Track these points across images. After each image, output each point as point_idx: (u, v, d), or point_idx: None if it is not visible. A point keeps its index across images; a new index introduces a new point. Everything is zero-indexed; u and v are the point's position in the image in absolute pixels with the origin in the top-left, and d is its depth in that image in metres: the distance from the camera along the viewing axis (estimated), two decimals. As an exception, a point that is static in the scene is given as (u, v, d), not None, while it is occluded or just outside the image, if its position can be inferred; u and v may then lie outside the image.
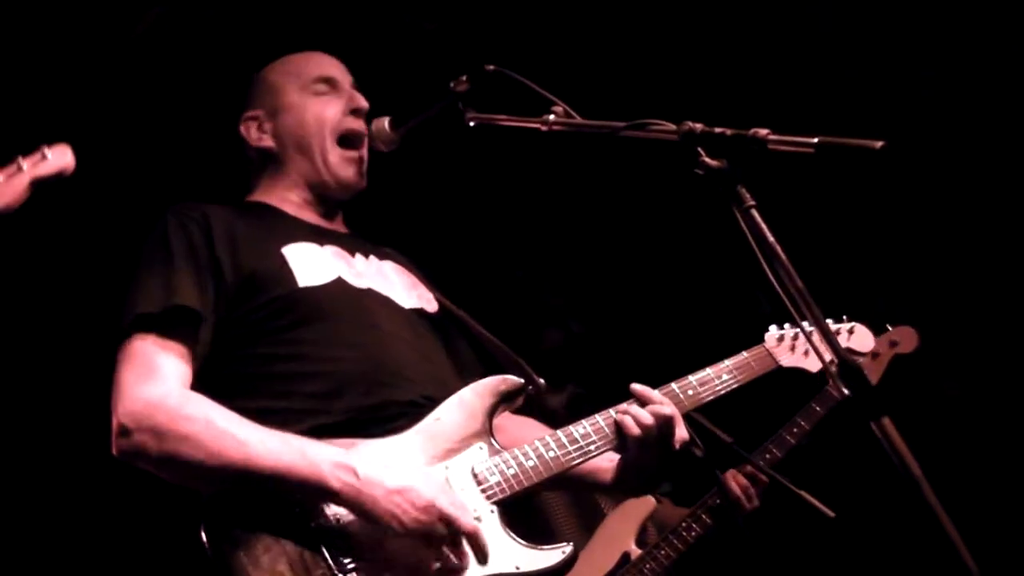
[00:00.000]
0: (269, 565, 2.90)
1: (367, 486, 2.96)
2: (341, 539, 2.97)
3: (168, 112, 5.21)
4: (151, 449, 3.02)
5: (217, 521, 2.97)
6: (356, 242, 3.67)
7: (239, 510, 2.97)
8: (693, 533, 4.85)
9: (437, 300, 3.71)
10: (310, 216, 3.66)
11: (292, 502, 2.98)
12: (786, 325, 3.89)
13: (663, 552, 4.83)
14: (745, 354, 3.75)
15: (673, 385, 3.50)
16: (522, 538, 3.15)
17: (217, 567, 2.93)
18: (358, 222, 3.77)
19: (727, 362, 3.67)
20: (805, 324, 2.62)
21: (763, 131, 2.67)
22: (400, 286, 3.62)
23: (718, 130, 2.74)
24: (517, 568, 3.08)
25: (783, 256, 2.57)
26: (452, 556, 3.02)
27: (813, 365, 3.91)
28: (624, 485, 3.49)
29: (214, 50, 5.07)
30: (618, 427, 3.35)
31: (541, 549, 3.15)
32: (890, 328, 4.78)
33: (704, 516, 4.88)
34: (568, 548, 3.17)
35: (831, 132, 2.58)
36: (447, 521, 2.99)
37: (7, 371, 5.00)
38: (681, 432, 3.40)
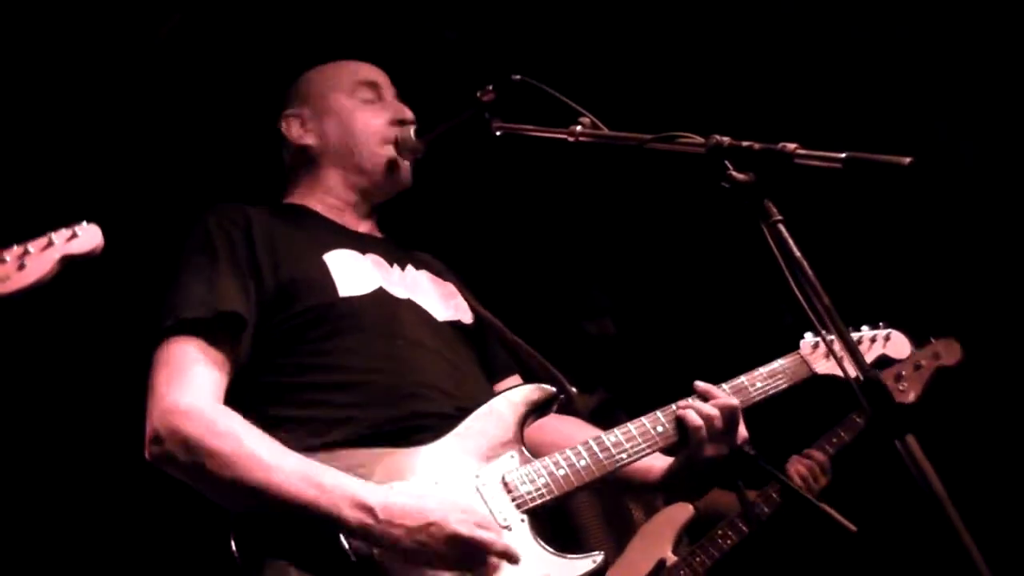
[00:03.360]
0: None
1: (386, 527, 2.93)
2: (368, 570, 2.94)
3: (194, 115, 5.22)
4: (180, 459, 3.03)
5: (248, 540, 2.99)
6: (394, 249, 3.67)
7: (270, 532, 2.96)
8: (728, 541, 4.84)
9: (472, 309, 3.70)
10: (349, 220, 3.66)
11: (314, 532, 2.96)
12: (823, 331, 3.84)
13: (698, 559, 4.82)
14: (780, 361, 3.69)
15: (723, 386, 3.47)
16: (552, 547, 3.13)
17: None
18: (390, 226, 3.76)
19: (761, 369, 3.62)
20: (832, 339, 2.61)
21: (791, 145, 2.67)
22: (436, 297, 3.61)
23: (745, 144, 2.73)
24: None
25: (809, 271, 2.57)
26: (485, 572, 3.00)
27: (852, 371, 3.84)
28: (677, 485, 3.48)
29: (237, 56, 5.08)
30: (679, 422, 3.34)
31: (571, 558, 3.14)
32: (933, 340, 4.73)
33: (740, 523, 4.87)
34: (599, 557, 3.15)
35: (857, 147, 2.57)
36: (475, 547, 2.97)
37: (44, 371, 5.02)
38: (743, 428, 3.40)
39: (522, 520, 3.13)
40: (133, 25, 4.94)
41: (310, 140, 3.72)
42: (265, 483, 2.95)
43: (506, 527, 3.09)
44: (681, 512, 5.04)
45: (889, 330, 4.03)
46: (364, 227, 3.68)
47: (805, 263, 2.57)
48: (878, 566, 5.53)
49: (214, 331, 3.18)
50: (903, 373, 4.57)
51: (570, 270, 5.85)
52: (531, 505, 3.16)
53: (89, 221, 2.64)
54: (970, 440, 5.50)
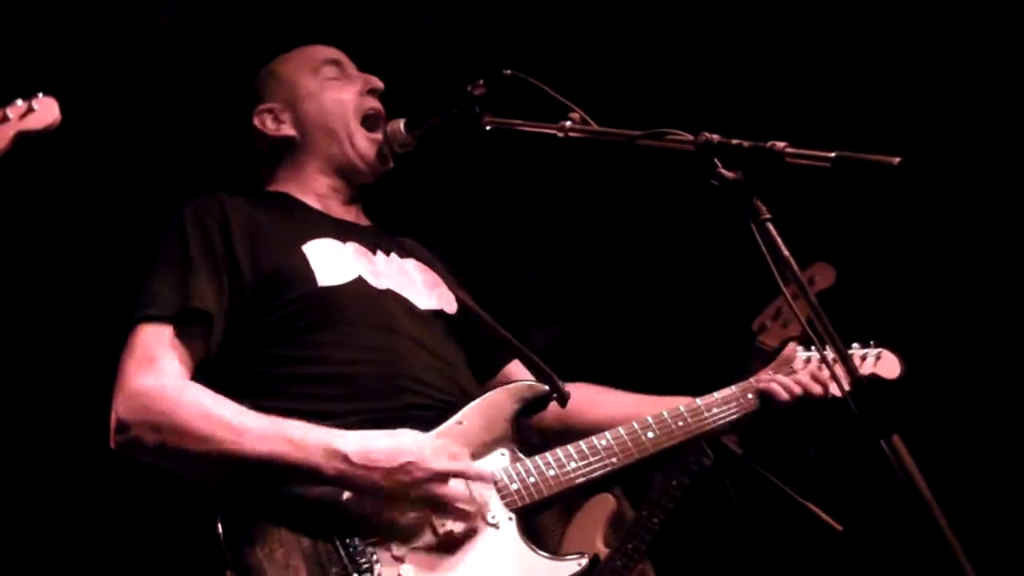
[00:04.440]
0: (284, 559, 2.88)
1: (363, 471, 2.95)
2: (352, 522, 2.96)
3: (183, 106, 5.21)
4: (147, 441, 3.01)
5: (232, 514, 2.96)
6: (378, 237, 3.65)
7: (253, 503, 2.96)
8: (655, 520, 4.83)
9: (459, 300, 3.67)
10: (333, 208, 3.63)
11: (300, 492, 2.97)
12: (812, 348, 3.85)
13: (631, 546, 4.81)
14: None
15: (698, 401, 3.53)
16: (539, 547, 3.13)
17: (234, 561, 2.92)
18: (377, 218, 3.76)
19: (751, 381, 3.66)
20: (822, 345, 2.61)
21: (780, 144, 2.67)
22: (421, 285, 3.59)
23: (735, 141, 2.73)
24: None
25: (797, 269, 2.57)
26: (469, 509, 3.04)
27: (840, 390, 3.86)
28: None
29: (230, 50, 5.07)
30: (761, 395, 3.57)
31: (557, 560, 3.15)
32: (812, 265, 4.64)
33: (664, 502, 4.86)
34: (584, 560, 3.15)
35: (844, 146, 2.57)
36: (455, 475, 3.01)
37: (16, 364, 5.01)
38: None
39: (510, 519, 3.12)
40: (127, 15, 4.94)
41: (288, 131, 3.68)
42: (236, 449, 2.95)
43: (494, 525, 3.08)
44: (603, 504, 5.05)
45: (879, 349, 4.02)
46: (350, 214, 3.66)
47: (793, 261, 2.57)
48: (864, 565, 5.53)
49: (182, 324, 3.16)
50: (781, 309, 4.54)
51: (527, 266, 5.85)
52: (520, 504, 3.15)
53: (46, 94, 2.59)
54: (956, 439, 5.51)
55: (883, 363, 3.96)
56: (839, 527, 4.63)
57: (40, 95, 2.56)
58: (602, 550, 4.94)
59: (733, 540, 4.91)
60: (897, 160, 2.52)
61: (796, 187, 3.11)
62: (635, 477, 5.16)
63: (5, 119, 2.52)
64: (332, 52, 3.80)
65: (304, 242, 3.40)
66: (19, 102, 2.55)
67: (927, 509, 2.40)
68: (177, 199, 3.42)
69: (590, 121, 3.18)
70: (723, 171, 2.69)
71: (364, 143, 3.64)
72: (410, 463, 2.98)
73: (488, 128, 3.41)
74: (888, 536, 5.26)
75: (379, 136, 3.66)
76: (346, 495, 2.98)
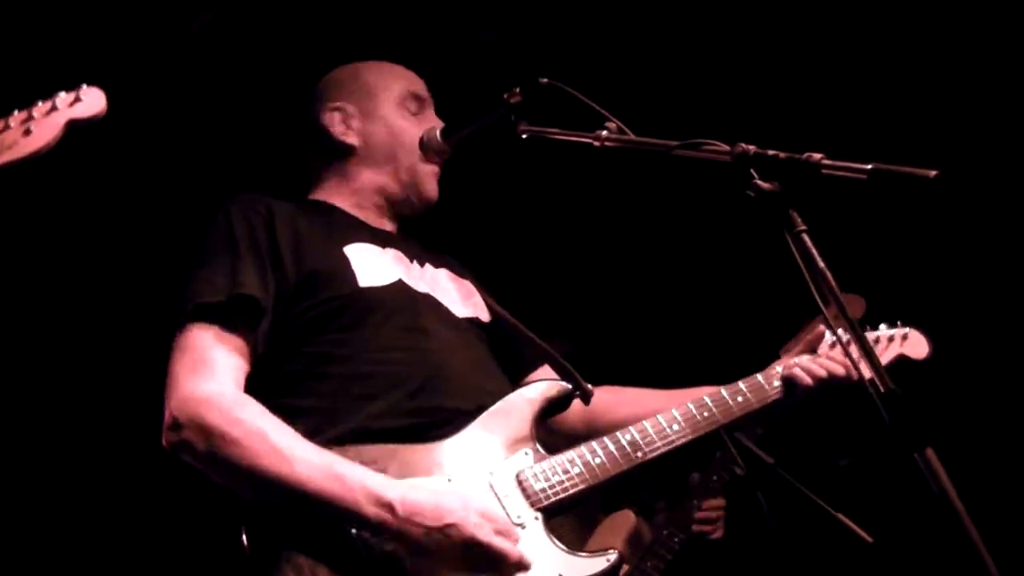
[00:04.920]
0: None
1: (405, 524, 2.93)
2: (379, 564, 2.95)
3: (221, 110, 5.23)
4: (198, 447, 3.01)
5: (260, 529, 2.98)
6: (413, 247, 3.67)
7: (282, 522, 2.96)
8: (676, 539, 4.83)
9: (489, 308, 3.70)
10: (372, 219, 3.66)
11: (330, 525, 2.96)
12: (839, 331, 3.83)
13: (650, 564, 4.81)
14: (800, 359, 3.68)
15: (723, 391, 3.54)
16: (566, 544, 3.13)
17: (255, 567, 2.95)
18: (410, 228, 3.77)
19: (775, 367, 3.65)
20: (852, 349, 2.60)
21: (816, 155, 2.67)
22: (455, 294, 3.62)
23: (771, 153, 2.73)
24: None
25: (832, 282, 2.57)
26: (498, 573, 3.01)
27: (864, 372, 3.80)
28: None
29: (271, 55, 5.09)
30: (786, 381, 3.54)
31: (585, 556, 3.14)
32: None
33: (685, 522, 4.86)
34: (613, 556, 3.14)
35: (877, 159, 2.57)
36: (492, 554, 2.97)
37: (65, 359, 5.04)
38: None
39: (536, 518, 3.13)
40: (164, 18, 4.96)
41: (353, 139, 3.69)
42: (285, 474, 2.94)
43: (520, 525, 3.09)
44: (623, 520, 5.04)
45: (907, 329, 3.98)
46: (387, 227, 3.69)
47: (829, 274, 2.57)
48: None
49: (232, 317, 3.17)
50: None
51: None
52: (545, 503, 3.16)
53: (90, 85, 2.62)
54: (989, 449, 5.49)
55: (910, 343, 3.94)
56: (869, 539, 4.62)
57: (85, 86, 2.60)
58: (625, 551, 4.94)
59: (763, 550, 4.89)
60: (933, 173, 2.52)
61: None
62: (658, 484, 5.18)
63: (55, 108, 2.53)
64: (421, 87, 3.81)
65: (345, 244, 3.43)
66: (63, 94, 2.58)
67: (959, 523, 2.39)
68: (217, 200, 3.44)
69: (626, 131, 3.18)
70: (759, 182, 2.69)
71: (427, 179, 3.69)
72: (452, 526, 2.95)
73: (524, 136, 3.42)
74: (919, 548, 5.24)
75: (438, 170, 3.70)
76: (379, 546, 2.96)
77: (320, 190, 3.72)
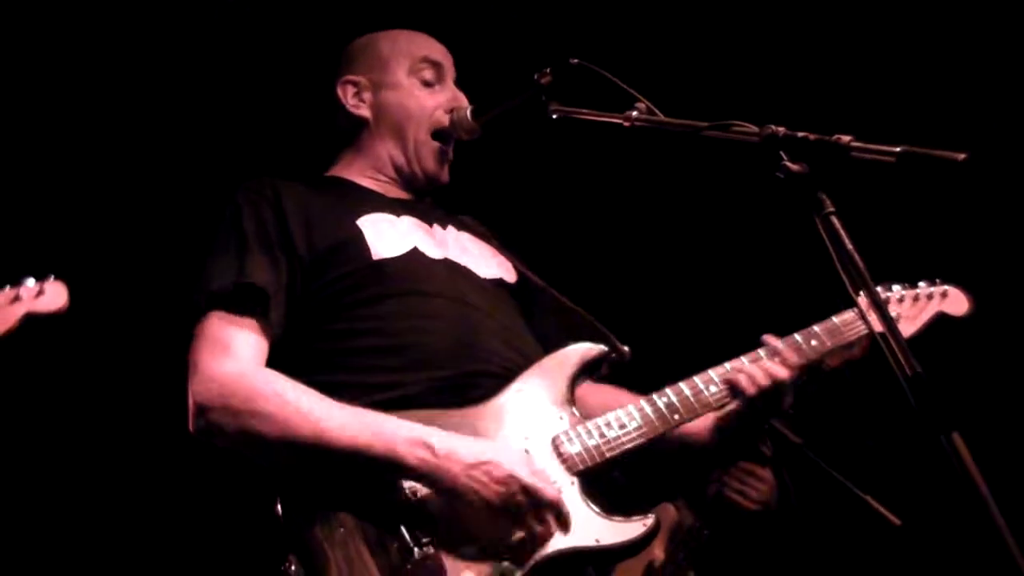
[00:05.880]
0: (343, 540, 2.93)
1: (444, 461, 2.97)
2: (418, 514, 2.98)
3: (238, 88, 5.22)
4: (227, 427, 3.07)
5: (293, 497, 3.01)
6: (434, 211, 3.69)
7: (315, 486, 3.00)
8: (705, 532, 4.83)
9: (516, 269, 3.70)
10: (390, 191, 3.67)
11: (368, 479, 3.00)
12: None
13: (681, 555, 4.81)
14: (836, 319, 3.60)
15: (795, 336, 3.50)
16: (602, 509, 3.13)
17: (293, 543, 2.97)
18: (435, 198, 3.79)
19: (816, 328, 3.58)
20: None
21: (846, 137, 2.67)
22: (478, 255, 3.62)
23: (801, 134, 2.73)
24: (597, 541, 3.08)
25: (861, 264, 2.57)
26: (533, 526, 3.00)
27: (909, 328, 3.74)
28: (724, 447, 3.54)
29: (290, 25, 5.07)
30: (730, 385, 3.35)
31: (622, 521, 3.14)
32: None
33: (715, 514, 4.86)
34: (650, 520, 3.16)
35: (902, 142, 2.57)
36: (528, 492, 2.99)
37: (87, 354, 5.04)
38: (790, 397, 3.43)
39: (572, 483, 3.14)
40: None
41: (364, 112, 3.71)
42: (319, 435, 2.98)
43: (557, 489, 3.09)
44: (663, 513, 5.04)
45: (946, 286, 3.91)
46: (398, 195, 3.69)
47: (857, 256, 2.56)
48: (921, 560, 5.51)
49: (243, 303, 3.21)
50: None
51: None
52: (581, 467, 3.17)
53: (57, 277, 2.72)
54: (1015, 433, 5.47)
55: (949, 300, 3.88)
56: (897, 521, 4.61)
57: (52, 278, 2.70)
58: (659, 556, 4.93)
59: (789, 530, 4.89)
60: (962, 156, 2.52)
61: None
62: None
63: (18, 299, 2.70)
64: (438, 51, 3.80)
65: (358, 217, 3.44)
66: (31, 282, 2.68)
67: (985, 506, 2.40)
68: (234, 183, 3.47)
69: (656, 111, 3.19)
70: (788, 163, 2.69)
71: (430, 154, 3.68)
72: (490, 463, 2.99)
73: (554, 117, 3.42)
74: (947, 531, 5.22)
75: (446, 149, 3.71)
76: (418, 489, 3.00)
77: (336, 166, 3.75)
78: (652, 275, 5.81)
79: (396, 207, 3.57)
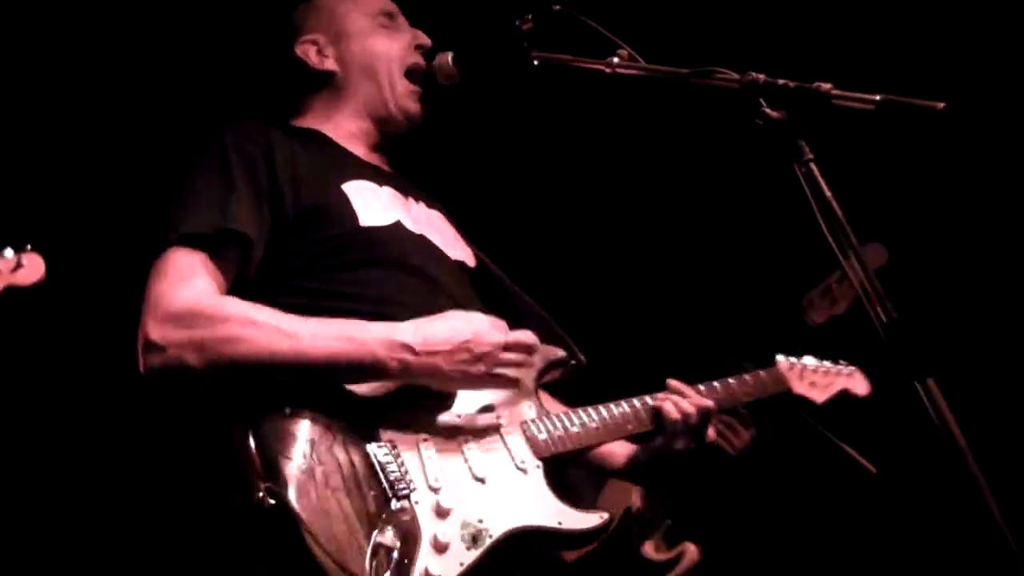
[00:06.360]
0: (323, 479, 2.87)
1: (427, 358, 3.01)
2: (402, 449, 2.99)
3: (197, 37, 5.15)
4: (190, 360, 2.96)
5: (261, 428, 2.89)
6: (408, 185, 3.67)
7: (290, 415, 2.91)
8: (667, 522, 4.86)
9: (476, 255, 3.71)
10: (361, 151, 3.64)
11: (336, 393, 2.99)
12: (792, 358, 4.00)
13: (659, 501, 4.84)
14: (762, 373, 3.85)
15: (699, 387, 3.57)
16: (560, 499, 3.16)
17: (266, 473, 2.84)
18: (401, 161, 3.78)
19: (746, 377, 3.77)
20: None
21: (826, 85, 2.68)
22: (446, 236, 3.62)
23: (781, 82, 2.74)
24: (559, 524, 3.09)
25: (839, 211, 2.59)
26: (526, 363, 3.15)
27: (819, 396, 4.02)
28: (643, 472, 3.59)
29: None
30: (655, 413, 3.41)
31: (581, 511, 3.16)
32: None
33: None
34: (605, 515, 3.17)
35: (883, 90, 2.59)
36: (510, 346, 3.11)
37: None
38: (712, 430, 3.49)
39: (537, 466, 3.16)
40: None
41: (331, 66, 3.68)
42: (294, 351, 2.95)
43: (522, 470, 3.12)
44: (623, 494, 5.09)
45: (852, 367, 4.16)
46: (374, 159, 3.67)
47: (835, 203, 2.58)
48: (898, 508, 5.55)
49: (220, 247, 3.13)
50: (831, 287, 4.51)
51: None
52: (547, 454, 3.19)
53: (33, 247, 2.72)
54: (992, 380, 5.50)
55: (854, 380, 4.15)
56: (873, 469, 4.65)
57: (28, 248, 2.70)
58: (636, 503, 4.96)
59: (768, 479, 4.93)
60: (942, 105, 2.53)
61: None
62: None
63: None
64: (387, 3, 3.80)
65: (343, 181, 3.41)
66: (9, 253, 2.70)
67: (959, 452, 2.42)
68: (201, 126, 3.42)
69: (638, 58, 3.18)
70: (768, 110, 2.71)
71: (405, 93, 3.67)
72: (469, 341, 3.05)
73: (536, 63, 3.41)
74: (923, 479, 5.26)
75: (418, 89, 3.69)
76: (384, 390, 3.04)
77: (308, 117, 3.69)
78: (632, 226, 5.80)
79: (378, 176, 3.55)
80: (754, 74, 2.78)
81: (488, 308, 3.43)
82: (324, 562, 2.75)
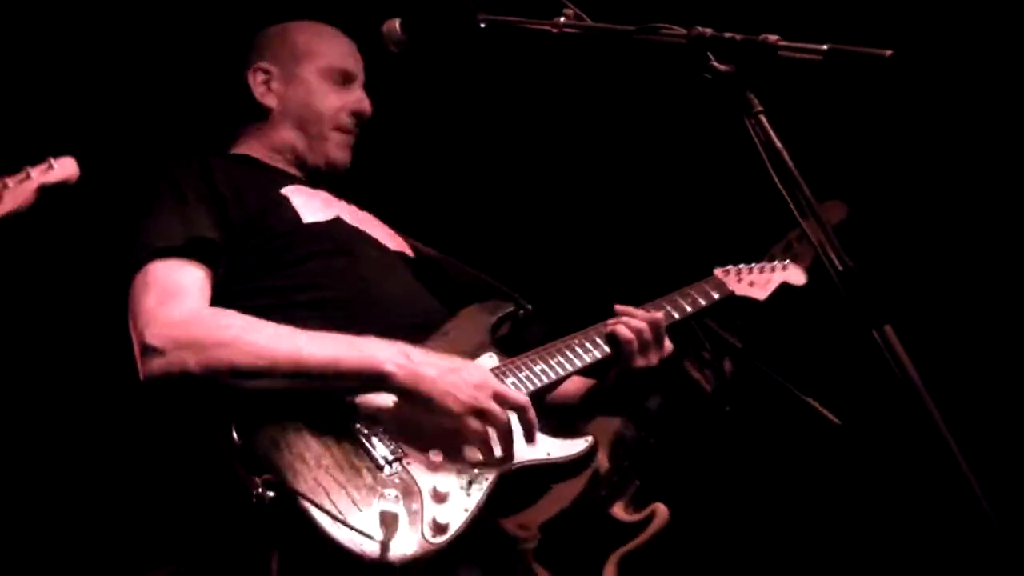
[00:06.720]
0: (315, 461, 2.94)
1: (422, 367, 3.07)
2: (385, 426, 3.07)
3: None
4: (191, 363, 3.03)
5: (250, 422, 2.98)
6: (339, 193, 3.81)
7: (269, 412, 2.99)
8: (651, 440, 4.87)
9: (413, 247, 3.82)
10: (293, 172, 3.76)
11: (335, 396, 3.06)
12: (728, 266, 4.10)
13: (627, 463, 4.84)
14: (701, 283, 3.95)
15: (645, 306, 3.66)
16: (545, 433, 3.25)
17: (260, 466, 2.92)
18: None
19: (686, 288, 3.87)
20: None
21: (772, 37, 2.69)
22: (383, 231, 3.74)
23: (727, 35, 2.75)
24: (548, 455, 3.23)
25: (789, 161, 2.59)
26: (498, 436, 3.13)
27: (760, 294, 4.10)
28: (610, 400, 3.67)
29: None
30: (610, 337, 3.50)
31: (566, 440, 3.30)
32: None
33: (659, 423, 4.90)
34: (590, 438, 3.34)
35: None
36: (501, 398, 3.12)
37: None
38: (668, 342, 3.61)
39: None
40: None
41: (271, 102, 3.78)
42: (294, 351, 3.04)
43: None
44: (606, 425, 5.11)
45: (787, 261, 4.23)
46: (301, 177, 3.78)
47: (786, 154, 2.59)
48: (863, 460, 5.57)
49: (191, 256, 3.24)
50: (792, 242, 4.54)
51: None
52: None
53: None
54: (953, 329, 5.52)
55: (790, 272, 4.22)
56: (837, 421, 4.66)
57: (59, 156, 2.76)
58: (604, 465, 4.97)
59: (730, 432, 4.94)
60: (888, 53, 2.53)
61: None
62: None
63: (28, 177, 2.71)
64: (351, 58, 3.88)
65: (280, 187, 3.56)
66: (39, 165, 2.75)
67: (920, 400, 2.43)
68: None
69: (584, 17, 3.18)
70: (716, 64, 2.71)
71: (332, 146, 3.78)
72: (465, 369, 3.15)
73: (483, 26, 3.40)
74: (889, 430, 5.29)
75: (349, 139, 3.80)
76: (385, 403, 3.10)
77: (239, 145, 3.80)
78: (588, 184, 5.79)
79: (308, 183, 3.71)
80: (700, 28, 2.78)
81: (432, 292, 3.61)
82: (336, 533, 2.82)
